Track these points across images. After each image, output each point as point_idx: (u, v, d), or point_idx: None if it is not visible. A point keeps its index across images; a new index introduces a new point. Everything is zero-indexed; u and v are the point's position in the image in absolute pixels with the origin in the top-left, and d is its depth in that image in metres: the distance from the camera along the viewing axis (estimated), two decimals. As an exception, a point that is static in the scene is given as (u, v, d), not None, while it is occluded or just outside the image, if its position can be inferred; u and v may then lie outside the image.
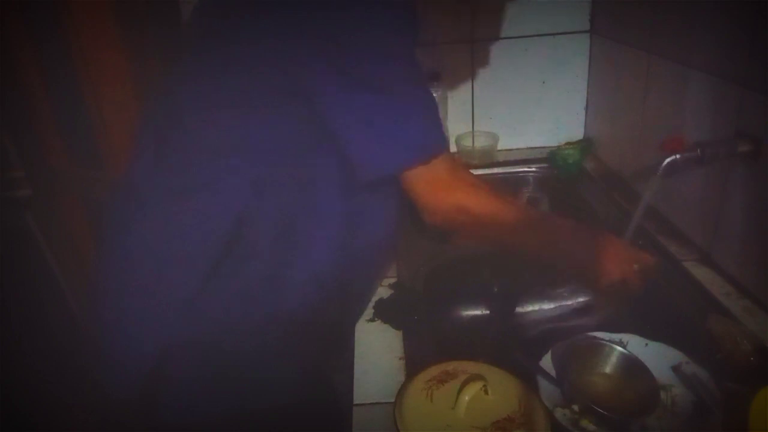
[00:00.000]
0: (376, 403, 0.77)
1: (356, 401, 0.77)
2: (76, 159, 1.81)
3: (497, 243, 0.84)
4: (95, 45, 1.59)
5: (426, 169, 0.74)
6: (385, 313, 0.95)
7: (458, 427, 0.68)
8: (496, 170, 1.49)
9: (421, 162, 0.73)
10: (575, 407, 0.73)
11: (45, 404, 1.80)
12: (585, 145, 1.50)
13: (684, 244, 1.04)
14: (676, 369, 0.79)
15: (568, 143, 1.53)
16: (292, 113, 0.73)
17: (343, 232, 0.82)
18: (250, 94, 0.73)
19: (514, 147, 1.58)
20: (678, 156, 0.85)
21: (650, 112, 1.16)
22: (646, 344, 0.83)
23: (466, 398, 0.70)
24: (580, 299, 1.14)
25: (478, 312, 1.15)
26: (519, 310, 1.14)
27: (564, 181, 1.44)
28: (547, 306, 1.14)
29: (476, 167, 1.48)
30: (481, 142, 1.54)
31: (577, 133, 1.56)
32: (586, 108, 1.53)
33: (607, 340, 0.82)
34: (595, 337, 0.83)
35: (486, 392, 0.72)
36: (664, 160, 0.85)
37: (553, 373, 0.79)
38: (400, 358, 0.85)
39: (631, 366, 0.78)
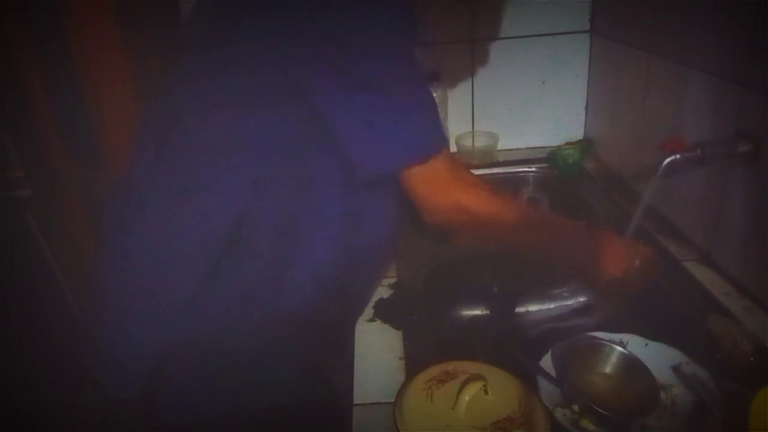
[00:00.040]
0: (376, 403, 0.77)
1: (356, 401, 0.77)
2: (76, 159, 1.81)
3: (497, 242, 0.85)
4: (95, 45, 1.59)
5: (425, 168, 0.74)
6: (385, 313, 0.95)
7: (458, 427, 0.68)
8: (496, 170, 1.49)
9: (421, 161, 0.73)
10: (575, 407, 0.73)
11: (45, 404, 1.80)
12: (585, 145, 1.50)
13: (684, 244, 1.04)
14: (676, 369, 0.79)
15: (568, 143, 1.53)
16: (292, 113, 0.73)
17: (343, 232, 0.82)
18: (250, 94, 0.73)
19: (514, 147, 1.58)
20: (678, 156, 0.85)
21: (650, 112, 1.16)
22: (646, 344, 0.83)
23: (466, 398, 0.70)
24: (580, 299, 1.14)
25: (478, 312, 1.15)
26: (519, 310, 1.14)
27: (564, 181, 1.44)
28: (547, 306, 1.14)
29: (476, 167, 1.48)
30: (481, 142, 1.54)
31: (577, 133, 1.56)
32: (586, 108, 1.53)
33: (607, 340, 0.82)
34: (595, 337, 0.83)
35: (486, 392, 0.72)
36: (664, 160, 0.85)
37: (553, 373, 0.79)
38: (400, 358, 0.85)
39: (631, 366, 0.78)
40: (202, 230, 0.78)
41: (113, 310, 0.85)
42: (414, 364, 0.82)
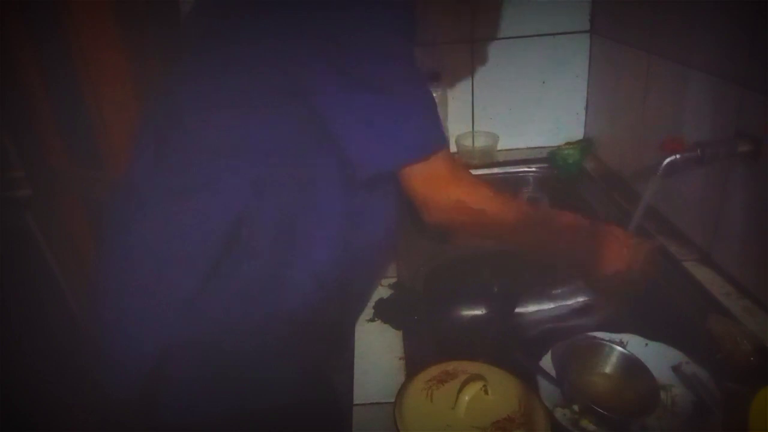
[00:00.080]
0: (376, 403, 0.77)
1: (356, 401, 0.77)
2: (76, 159, 1.81)
3: (497, 241, 0.84)
4: (95, 45, 1.59)
5: (425, 167, 0.74)
6: (385, 313, 0.95)
7: (458, 427, 0.68)
8: (496, 170, 1.49)
9: (420, 159, 0.73)
10: (575, 407, 0.73)
11: (45, 404, 1.80)
12: (585, 145, 1.50)
13: (684, 244, 1.04)
14: (676, 369, 0.79)
15: (568, 143, 1.53)
16: (292, 113, 0.73)
17: (343, 231, 0.82)
18: (250, 94, 0.73)
19: (514, 147, 1.58)
20: (678, 156, 0.85)
21: (650, 112, 1.16)
22: (646, 344, 0.83)
23: (466, 398, 0.70)
24: (580, 299, 1.14)
25: (478, 312, 1.15)
26: (519, 310, 1.13)
27: (564, 181, 1.44)
28: (547, 306, 1.14)
29: (476, 167, 1.48)
30: (481, 142, 1.54)
31: (577, 133, 1.56)
32: (586, 108, 1.53)
33: (607, 340, 0.82)
34: (595, 337, 0.83)
35: (486, 392, 0.72)
36: (664, 160, 0.85)
37: (553, 373, 0.79)
38: (400, 358, 0.85)
39: (631, 366, 0.78)
40: (202, 230, 0.78)
41: (113, 310, 0.85)
42: (414, 364, 0.82)
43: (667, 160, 0.85)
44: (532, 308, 1.14)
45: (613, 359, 0.80)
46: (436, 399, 0.72)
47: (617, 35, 1.30)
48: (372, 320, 0.94)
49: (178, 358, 0.80)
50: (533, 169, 1.50)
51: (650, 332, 0.84)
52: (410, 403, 0.71)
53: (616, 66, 1.32)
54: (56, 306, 1.91)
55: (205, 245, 0.78)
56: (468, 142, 1.53)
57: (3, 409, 1.63)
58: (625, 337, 0.84)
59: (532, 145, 1.58)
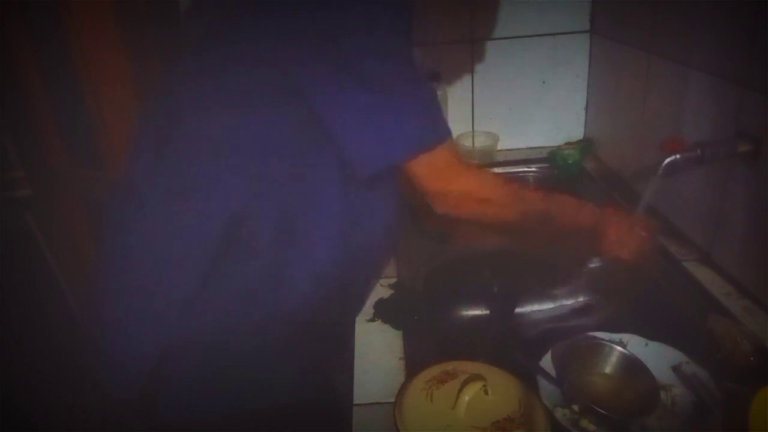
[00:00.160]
0: (376, 403, 0.77)
1: (356, 401, 0.77)
2: (76, 159, 1.81)
3: (507, 225, 0.85)
4: (95, 45, 1.60)
5: (431, 157, 0.74)
6: (385, 313, 0.95)
7: (458, 427, 0.68)
8: (496, 170, 1.49)
9: (425, 149, 0.73)
10: (575, 407, 0.73)
11: (45, 404, 1.80)
12: (585, 145, 1.50)
13: (684, 244, 1.04)
14: (676, 369, 0.79)
15: (568, 143, 1.53)
16: (292, 113, 0.73)
17: (343, 231, 0.82)
18: (250, 94, 0.73)
19: (514, 147, 1.58)
20: (678, 156, 0.85)
21: (650, 112, 1.16)
22: (646, 344, 0.83)
23: (466, 398, 0.70)
24: (580, 299, 1.14)
25: (478, 312, 1.15)
26: (519, 310, 1.13)
27: (564, 181, 1.44)
28: (547, 306, 1.14)
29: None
30: (481, 142, 1.54)
31: (577, 133, 1.56)
32: (586, 108, 1.53)
33: (607, 340, 0.82)
34: (595, 337, 0.83)
35: (486, 392, 0.72)
36: (664, 160, 0.85)
37: (553, 373, 0.79)
38: (400, 358, 0.85)
39: (631, 366, 0.78)
40: (202, 230, 0.78)
41: (113, 310, 0.85)
42: (414, 364, 0.82)
43: (667, 160, 0.85)
44: (532, 308, 1.14)
45: (613, 359, 0.80)
46: (436, 399, 0.72)
47: (617, 35, 1.30)
48: (372, 320, 0.94)
49: (178, 358, 0.80)
50: (533, 169, 1.50)
51: (650, 332, 0.84)
52: (410, 403, 0.71)
53: (616, 66, 1.32)
54: (56, 306, 1.91)
55: (205, 245, 0.78)
56: (468, 142, 1.53)
57: (3, 409, 1.63)
58: (625, 337, 0.84)
59: (532, 145, 1.58)
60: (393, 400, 0.73)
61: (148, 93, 1.13)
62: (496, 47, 1.46)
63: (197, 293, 0.78)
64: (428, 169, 0.75)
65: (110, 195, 0.93)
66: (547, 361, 0.81)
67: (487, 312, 1.15)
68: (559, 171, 1.46)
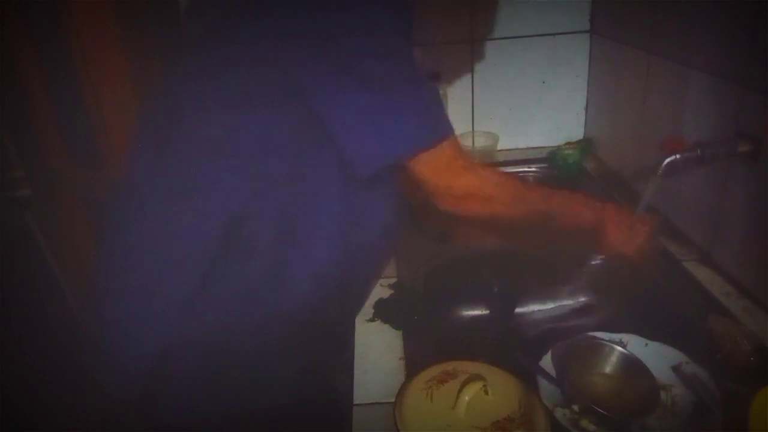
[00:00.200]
0: (376, 403, 0.77)
1: (356, 401, 0.78)
2: (76, 159, 1.81)
3: (509, 222, 0.85)
4: (95, 45, 1.60)
5: (433, 155, 0.74)
6: (385, 313, 0.95)
7: (458, 427, 0.68)
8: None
9: (427, 147, 0.73)
10: (575, 407, 0.73)
11: (45, 404, 1.80)
12: (585, 145, 1.50)
13: (684, 244, 1.04)
14: (676, 369, 0.79)
15: (568, 143, 1.53)
16: (292, 113, 0.73)
17: (342, 231, 0.82)
18: (249, 94, 0.73)
19: (514, 147, 1.58)
20: (678, 156, 0.85)
21: (650, 112, 1.16)
22: (646, 344, 0.83)
23: (466, 398, 0.70)
24: (580, 299, 1.14)
25: (478, 312, 1.15)
26: (519, 310, 1.13)
27: (564, 181, 1.44)
28: (547, 306, 1.14)
29: (476, 167, 1.48)
30: (481, 142, 1.54)
31: (577, 133, 1.56)
32: (586, 108, 1.53)
33: (607, 340, 0.82)
34: (595, 337, 0.83)
35: (486, 392, 0.72)
36: (664, 160, 0.86)
37: (553, 373, 0.79)
38: (400, 358, 0.85)
39: (631, 366, 0.78)
40: (202, 230, 0.78)
41: (113, 310, 0.85)
42: (414, 364, 0.82)
43: (667, 160, 0.85)
44: (532, 308, 1.14)
45: (613, 359, 0.80)
46: (436, 399, 0.72)
47: (617, 35, 1.30)
48: (372, 320, 0.94)
49: (178, 358, 0.80)
50: (533, 169, 1.50)
51: (650, 332, 0.84)
52: (410, 403, 0.71)
53: (616, 66, 1.32)
54: (56, 306, 1.91)
55: (205, 245, 0.78)
56: (468, 142, 1.53)
57: (3, 409, 1.63)
58: (625, 337, 0.84)
59: (532, 145, 1.58)
60: (393, 400, 0.73)
61: (148, 93, 1.13)
62: (496, 47, 1.46)
63: (197, 293, 0.78)
64: (430, 168, 0.75)
65: (110, 195, 0.93)
66: (547, 361, 0.81)
67: (487, 312, 1.15)
68: (559, 171, 1.46)
